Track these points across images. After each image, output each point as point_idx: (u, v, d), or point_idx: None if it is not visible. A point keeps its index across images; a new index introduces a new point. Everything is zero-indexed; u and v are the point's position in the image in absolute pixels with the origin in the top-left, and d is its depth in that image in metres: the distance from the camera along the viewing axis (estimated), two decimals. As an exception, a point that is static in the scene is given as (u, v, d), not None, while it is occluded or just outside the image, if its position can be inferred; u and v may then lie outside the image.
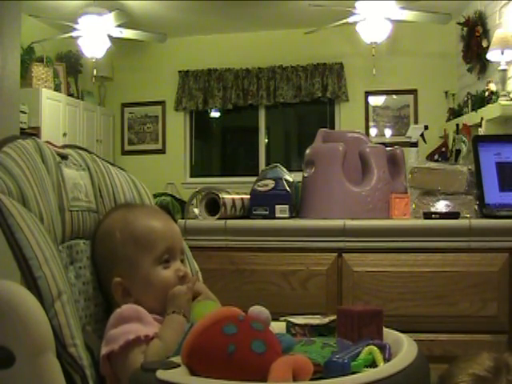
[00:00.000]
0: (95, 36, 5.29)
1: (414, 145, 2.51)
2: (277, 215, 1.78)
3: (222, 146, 7.46)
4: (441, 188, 1.81)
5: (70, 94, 6.17)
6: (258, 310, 0.96)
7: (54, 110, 5.70)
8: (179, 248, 1.05)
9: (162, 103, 6.89)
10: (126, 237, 1.00)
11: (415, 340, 0.88)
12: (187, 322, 0.93)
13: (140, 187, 1.20)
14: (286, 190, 1.80)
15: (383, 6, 4.86)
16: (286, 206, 1.78)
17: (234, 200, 1.79)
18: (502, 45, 4.19)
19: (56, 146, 1.06)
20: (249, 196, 1.84)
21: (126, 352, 0.88)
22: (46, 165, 0.98)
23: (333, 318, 0.97)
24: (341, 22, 5.18)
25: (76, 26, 5.28)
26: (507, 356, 0.92)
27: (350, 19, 5.13)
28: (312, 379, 0.74)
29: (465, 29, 5.38)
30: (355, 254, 1.62)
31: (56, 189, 0.99)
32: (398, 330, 0.94)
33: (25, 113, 5.23)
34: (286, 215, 1.78)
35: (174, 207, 4.02)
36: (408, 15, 5.03)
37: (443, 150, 4.47)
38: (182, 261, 1.06)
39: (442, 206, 1.79)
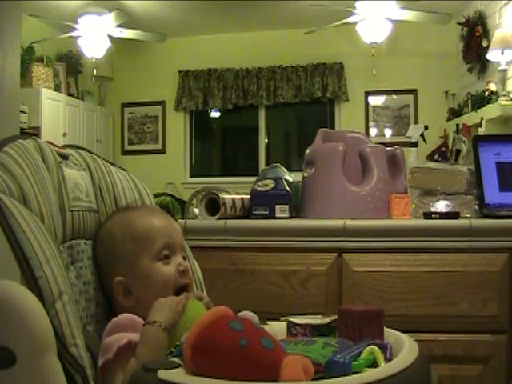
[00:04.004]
0: (95, 36, 5.30)
1: (414, 145, 2.52)
2: (277, 215, 1.78)
3: (221, 145, 7.46)
4: (441, 188, 1.81)
5: (70, 94, 6.18)
6: (250, 315, 0.96)
7: (54, 110, 5.70)
8: (179, 244, 1.05)
9: (162, 103, 6.89)
10: (126, 235, 1.01)
11: (415, 340, 0.88)
12: (168, 336, 0.88)
13: (140, 187, 1.20)
14: (286, 189, 1.80)
15: (383, 6, 4.86)
16: (286, 206, 1.78)
17: (234, 200, 1.79)
18: (501, 45, 4.19)
19: (57, 146, 1.06)
20: (249, 196, 1.84)
21: (118, 360, 0.87)
22: (47, 165, 0.98)
23: (334, 317, 0.97)
24: (341, 22, 5.18)
25: (76, 26, 5.28)
26: None
27: (350, 19, 5.13)
28: (313, 379, 0.75)
29: (465, 29, 5.38)
30: (355, 253, 1.62)
31: (57, 189, 0.99)
32: (398, 330, 0.94)
33: (25, 113, 5.23)
34: (286, 215, 1.78)
35: (174, 207, 4.01)
36: (408, 15, 5.03)
37: (443, 150, 4.48)
38: (184, 258, 1.06)
39: (441, 206, 1.79)
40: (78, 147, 1.15)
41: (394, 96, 6.35)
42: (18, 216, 0.85)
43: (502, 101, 4.14)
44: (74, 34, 5.38)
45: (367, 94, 6.40)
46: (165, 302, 0.93)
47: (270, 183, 1.82)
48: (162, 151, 6.91)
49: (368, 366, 0.77)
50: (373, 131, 6.40)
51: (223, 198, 1.73)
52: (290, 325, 1.00)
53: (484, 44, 4.87)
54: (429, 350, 1.51)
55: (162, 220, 1.05)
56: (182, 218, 1.78)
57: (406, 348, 0.83)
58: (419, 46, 6.16)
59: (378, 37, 5.18)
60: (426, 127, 2.74)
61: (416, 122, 6.09)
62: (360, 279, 1.60)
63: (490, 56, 4.42)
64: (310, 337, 0.95)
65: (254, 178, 1.97)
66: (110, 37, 5.40)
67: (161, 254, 1.00)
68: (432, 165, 1.89)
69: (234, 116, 7.10)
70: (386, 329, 0.92)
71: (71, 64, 6.34)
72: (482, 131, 4.24)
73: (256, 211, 1.80)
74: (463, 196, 1.80)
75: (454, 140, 3.27)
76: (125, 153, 7.01)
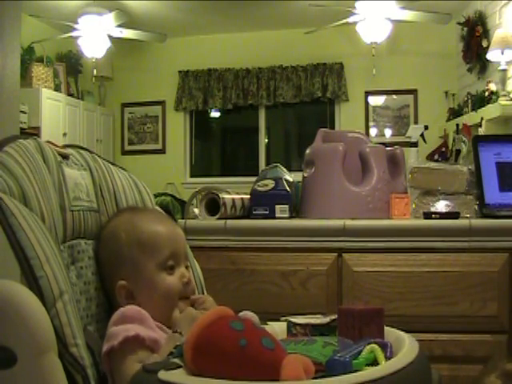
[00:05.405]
0: (95, 36, 5.30)
1: (414, 145, 2.52)
2: (277, 215, 1.78)
3: (221, 145, 7.46)
4: (441, 188, 1.81)
5: (70, 94, 6.17)
6: (250, 315, 0.97)
7: (54, 110, 5.70)
8: (183, 254, 1.06)
9: (162, 103, 6.89)
10: (132, 239, 1.01)
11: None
12: None
13: (141, 187, 1.20)
14: (286, 189, 1.81)
15: (383, 6, 4.86)
16: (286, 206, 1.78)
17: (234, 200, 1.79)
18: (501, 45, 4.19)
19: (57, 146, 1.06)
20: (249, 196, 1.85)
21: (124, 348, 0.88)
22: (48, 164, 0.98)
23: (334, 317, 0.97)
24: (341, 22, 5.18)
25: (76, 26, 5.28)
26: None
27: (350, 19, 5.13)
28: (314, 378, 0.75)
29: (465, 29, 5.38)
30: (355, 253, 1.62)
31: (57, 188, 0.99)
32: (398, 330, 0.94)
33: (25, 113, 5.22)
34: (286, 215, 1.78)
35: (174, 207, 4.02)
36: (408, 15, 5.03)
37: (443, 150, 4.48)
38: (187, 267, 1.06)
39: (441, 206, 1.79)
40: (79, 147, 1.15)
41: (394, 96, 6.35)
42: (19, 215, 0.85)
43: (502, 101, 4.14)
44: (74, 33, 5.39)
45: (367, 94, 6.40)
46: (191, 316, 0.94)
47: (270, 183, 1.82)
48: (162, 151, 6.91)
49: (368, 365, 0.77)
50: (373, 131, 6.40)
51: (223, 197, 1.73)
52: (290, 325, 1.00)
53: (484, 44, 4.87)
54: (429, 350, 1.51)
55: (168, 228, 1.05)
56: (182, 218, 1.78)
57: (407, 346, 0.83)
58: (419, 46, 6.16)
59: (377, 37, 5.18)
60: (426, 127, 2.74)
61: (416, 122, 6.09)
62: (360, 279, 1.60)
63: (489, 56, 4.42)
64: (311, 336, 0.95)
65: (253, 178, 1.97)
66: (110, 37, 5.40)
67: (166, 265, 1.01)
68: (432, 165, 1.89)
69: (234, 116, 7.10)
70: (386, 327, 0.92)
71: (71, 64, 6.34)
72: (482, 131, 4.23)
73: (256, 211, 1.80)
74: (463, 196, 1.80)
75: (453, 140, 3.26)
76: (125, 153, 7.00)
